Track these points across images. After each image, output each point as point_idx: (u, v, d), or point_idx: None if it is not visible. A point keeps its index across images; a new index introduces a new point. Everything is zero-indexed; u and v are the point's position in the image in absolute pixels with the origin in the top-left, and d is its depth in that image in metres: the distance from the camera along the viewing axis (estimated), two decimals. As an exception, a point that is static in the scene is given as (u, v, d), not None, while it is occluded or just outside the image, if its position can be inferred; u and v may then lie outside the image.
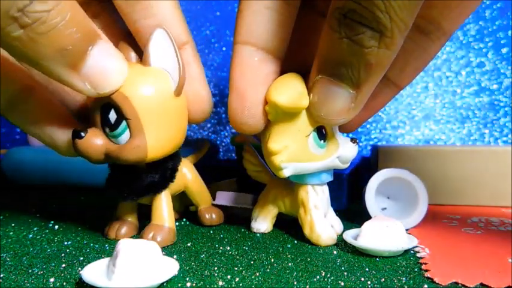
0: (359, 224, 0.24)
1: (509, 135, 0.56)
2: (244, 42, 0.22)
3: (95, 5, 0.25)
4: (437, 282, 0.18)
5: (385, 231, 0.22)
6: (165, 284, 0.18)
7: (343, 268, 0.20)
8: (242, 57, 0.22)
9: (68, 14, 0.18)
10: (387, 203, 0.30)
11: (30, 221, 0.31)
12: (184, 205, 0.32)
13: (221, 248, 0.24)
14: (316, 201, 0.25)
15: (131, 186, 0.24)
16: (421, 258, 0.22)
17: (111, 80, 0.20)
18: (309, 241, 0.25)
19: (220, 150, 0.66)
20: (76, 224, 0.29)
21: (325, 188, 0.26)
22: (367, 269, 0.20)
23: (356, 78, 0.19)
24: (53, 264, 0.21)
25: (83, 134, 0.21)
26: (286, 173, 0.23)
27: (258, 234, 0.27)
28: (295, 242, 0.25)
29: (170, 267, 0.18)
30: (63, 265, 0.20)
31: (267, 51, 0.22)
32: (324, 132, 0.23)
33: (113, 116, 0.21)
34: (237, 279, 0.19)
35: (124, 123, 0.21)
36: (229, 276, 0.19)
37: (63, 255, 0.22)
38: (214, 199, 0.31)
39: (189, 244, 0.25)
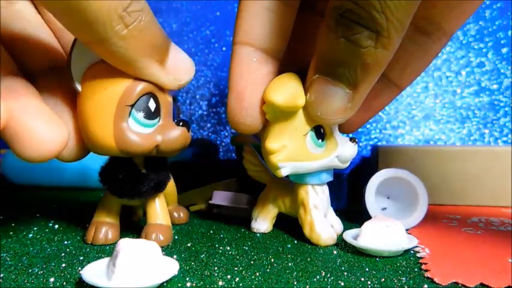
0: (359, 224, 0.24)
1: (509, 135, 0.56)
2: (243, 43, 0.22)
3: None
4: (437, 282, 0.18)
5: (385, 231, 0.22)
6: (165, 284, 0.18)
7: (343, 268, 0.20)
8: (241, 58, 0.22)
9: (151, 14, 0.19)
10: (387, 203, 0.30)
11: (30, 221, 0.31)
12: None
13: (221, 248, 0.24)
14: (316, 201, 0.25)
15: (138, 186, 0.24)
16: (421, 258, 0.22)
17: (187, 71, 0.22)
18: (309, 241, 0.25)
19: (220, 150, 0.66)
20: (76, 224, 0.29)
21: (325, 188, 0.26)
22: (367, 269, 0.20)
23: (353, 78, 0.19)
24: (53, 264, 0.21)
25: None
26: (284, 172, 0.23)
27: (258, 234, 0.27)
28: (295, 242, 0.25)
29: (170, 267, 0.18)
30: (63, 265, 0.20)
31: (265, 52, 0.22)
32: (322, 132, 0.23)
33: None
34: (237, 279, 0.19)
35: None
36: (229, 276, 0.19)
37: (63, 255, 0.22)
38: (211, 199, 0.31)
39: (189, 244, 0.25)
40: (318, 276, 0.19)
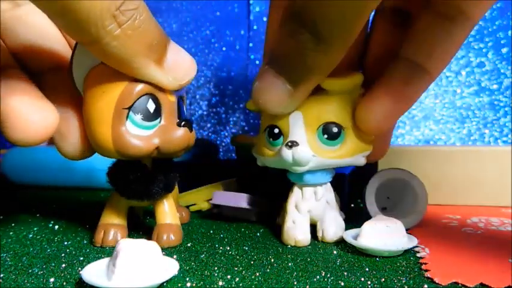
0: (359, 224, 0.24)
1: (509, 135, 0.56)
2: None
3: None
4: (437, 282, 0.18)
5: (385, 231, 0.22)
6: (165, 284, 0.18)
7: (343, 268, 0.20)
8: None
9: (148, 12, 0.19)
10: (387, 203, 0.30)
11: (30, 221, 0.31)
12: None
13: (221, 248, 0.24)
14: (298, 202, 0.25)
15: (148, 187, 0.24)
16: (421, 258, 0.22)
17: (187, 71, 0.22)
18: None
19: (220, 150, 0.66)
20: (76, 224, 0.29)
21: (320, 191, 0.25)
22: (367, 269, 0.20)
23: (293, 75, 0.20)
24: (53, 264, 0.21)
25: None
26: (258, 162, 0.27)
27: (258, 234, 0.27)
28: (295, 242, 0.25)
29: (170, 267, 0.18)
30: (63, 265, 0.20)
31: None
32: (276, 132, 0.24)
33: (184, 109, 0.24)
34: (237, 279, 0.19)
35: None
36: (229, 276, 0.19)
37: (63, 255, 0.22)
38: (211, 199, 0.31)
39: (189, 244, 0.25)
40: (318, 276, 0.19)
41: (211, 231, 0.28)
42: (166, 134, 0.22)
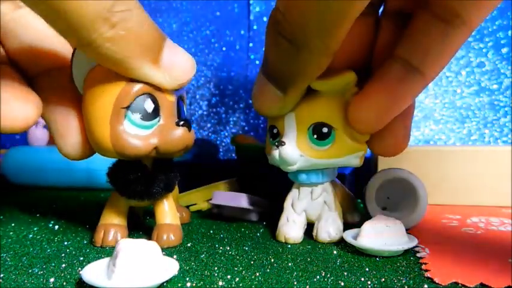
0: (359, 224, 0.24)
1: (509, 135, 0.56)
2: None
3: None
4: (437, 282, 0.18)
5: (385, 231, 0.22)
6: (165, 284, 0.18)
7: (343, 268, 0.20)
8: None
9: (143, 13, 0.19)
10: (387, 203, 0.30)
11: (30, 221, 0.31)
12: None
13: (221, 248, 0.24)
14: (294, 201, 0.26)
15: (149, 187, 0.24)
16: (421, 258, 0.22)
17: (186, 70, 0.22)
18: (308, 241, 0.25)
19: (220, 150, 0.66)
20: (76, 224, 0.29)
21: (316, 191, 0.25)
22: (367, 269, 0.20)
23: (282, 82, 0.21)
24: (53, 264, 0.21)
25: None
26: (269, 161, 0.26)
27: (258, 234, 0.27)
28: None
29: (170, 267, 0.18)
30: (63, 265, 0.20)
31: None
32: (275, 132, 0.25)
33: (184, 109, 0.24)
34: (237, 279, 0.19)
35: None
36: (229, 276, 0.19)
37: (63, 255, 0.22)
38: (211, 199, 0.31)
39: (189, 244, 0.25)
40: (318, 276, 0.19)
41: (211, 231, 0.28)
42: (165, 134, 0.22)
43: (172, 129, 0.22)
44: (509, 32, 0.56)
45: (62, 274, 0.19)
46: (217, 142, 0.67)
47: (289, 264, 0.21)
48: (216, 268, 0.20)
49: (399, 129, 0.24)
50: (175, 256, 0.22)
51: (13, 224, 0.29)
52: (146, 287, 0.16)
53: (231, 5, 0.66)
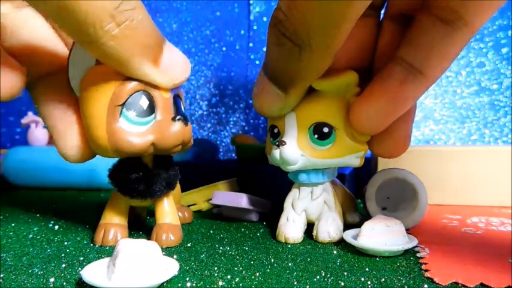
0: (359, 224, 0.24)
1: (509, 135, 0.56)
2: None
3: None
4: (437, 282, 0.18)
5: (385, 231, 0.22)
6: (165, 284, 0.18)
7: (343, 268, 0.20)
8: None
9: (145, 13, 0.19)
10: (387, 203, 0.30)
11: (30, 221, 0.31)
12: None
13: (221, 248, 0.24)
14: (294, 201, 0.26)
15: (150, 186, 0.24)
16: (421, 258, 0.22)
17: (182, 70, 0.22)
18: (308, 241, 0.25)
19: (220, 150, 0.66)
20: (76, 224, 0.29)
21: (316, 191, 0.25)
22: (367, 269, 0.20)
23: (284, 82, 0.21)
24: (53, 264, 0.21)
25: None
26: (268, 160, 0.27)
27: (258, 234, 0.27)
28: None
29: (170, 267, 0.18)
30: (63, 265, 0.20)
31: None
32: (275, 132, 0.25)
33: (182, 106, 0.24)
34: (237, 279, 0.19)
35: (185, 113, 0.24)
36: (229, 276, 0.19)
37: (63, 255, 0.22)
38: (211, 199, 0.31)
39: (189, 244, 0.25)
40: (318, 276, 0.19)
41: (211, 231, 0.28)
42: (162, 129, 0.22)
43: (169, 125, 0.22)
44: (509, 32, 0.56)
45: (62, 274, 0.19)
46: (217, 142, 0.67)
47: (289, 264, 0.21)
48: (216, 268, 0.20)
49: (400, 132, 0.24)
50: (175, 256, 0.22)
51: (13, 224, 0.29)
52: (146, 287, 0.16)
53: (231, 5, 0.66)
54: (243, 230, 0.28)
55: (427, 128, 0.59)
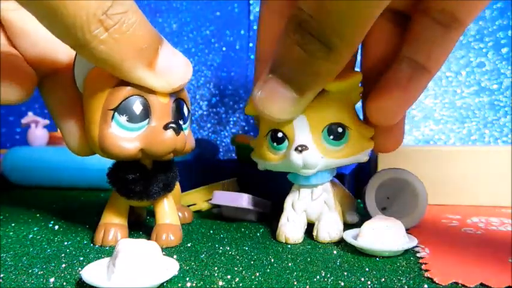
0: (359, 224, 0.24)
1: (509, 135, 0.56)
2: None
3: None
4: (437, 282, 0.18)
5: (385, 231, 0.22)
6: (165, 284, 0.18)
7: (343, 268, 0.20)
8: None
9: (139, 15, 0.19)
10: (387, 203, 0.30)
11: (30, 221, 0.31)
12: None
13: (221, 248, 0.24)
14: (295, 201, 0.26)
15: (147, 187, 0.24)
16: (421, 258, 0.22)
17: (181, 75, 0.22)
18: (308, 241, 0.25)
19: (220, 150, 0.66)
20: (76, 224, 0.29)
21: (317, 192, 0.25)
22: (367, 269, 0.20)
23: (301, 83, 0.21)
24: (53, 264, 0.21)
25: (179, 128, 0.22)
26: (259, 166, 0.27)
27: (258, 234, 0.27)
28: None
29: (170, 267, 0.18)
30: (63, 265, 0.20)
31: None
32: (280, 136, 0.24)
33: (185, 110, 0.23)
34: (237, 279, 0.19)
35: (189, 115, 0.24)
36: (229, 276, 0.19)
37: (63, 255, 0.22)
38: (211, 199, 0.31)
39: (189, 244, 0.25)
40: (318, 276, 0.19)
41: (211, 231, 0.28)
42: (152, 137, 0.21)
43: (159, 132, 0.21)
44: (509, 32, 0.56)
45: (62, 274, 0.19)
46: (217, 142, 0.67)
47: (289, 264, 0.21)
48: (216, 268, 0.20)
49: (399, 128, 0.26)
50: (175, 256, 0.22)
51: (13, 224, 0.29)
52: (146, 287, 0.16)
53: (231, 5, 0.66)
54: (243, 230, 0.28)
55: (427, 128, 0.59)
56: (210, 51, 0.67)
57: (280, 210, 0.27)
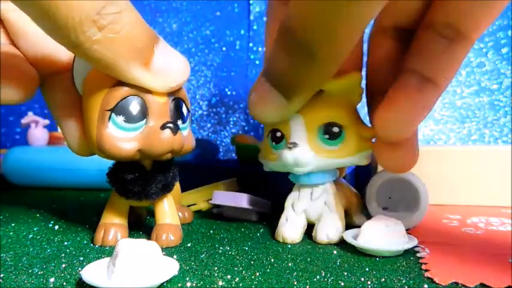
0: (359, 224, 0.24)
1: (509, 135, 0.56)
2: None
3: None
4: (437, 282, 0.18)
5: (385, 231, 0.22)
6: (165, 284, 0.18)
7: (343, 268, 0.20)
8: None
9: (134, 15, 0.19)
10: (389, 203, 0.30)
11: (30, 221, 0.31)
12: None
13: (221, 248, 0.24)
14: (295, 201, 0.26)
15: (146, 188, 0.24)
16: (421, 258, 0.22)
17: (179, 74, 0.21)
18: (308, 241, 0.25)
19: (220, 150, 0.66)
20: (76, 224, 0.29)
21: (317, 192, 0.25)
22: (367, 269, 0.20)
23: (289, 90, 0.21)
24: (53, 264, 0.21)
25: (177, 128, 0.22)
26: (264, 167, 0.27)
27: (258, 234, 0.27)
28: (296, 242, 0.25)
29: (170, 267, 0.18)
30: (63, 265, 0.20)
31: None
32: (278, 136, 0.24)
33: (184, 109, 0.23)
34: (237, 279, 0.19)
35: (189, 115, 0.24)
36: (229, 276, 0.19)
37: (63, 255, 0.22)
38: (211, 199, 0.31)
39: (189, 244, 0.25)
40: (318, 276, 0.19)
41: (211, 231, 0.28)
42: (149, 136, 0.21)
43: (156, 133, 0.21)
44: (509, 32, 0.56)
45: (62, 274, 0.19)
46: (217, 142, 0.67)
47: (289, 264, 0.21)
48: (216, 268, 0.20)
49: (410, 148, 0.24)
50: (175, 256, 0.22)
51: (13, 224, 0.29)
52: (146, 287, 0.16)
53: (231, 5, 0.66)
54: (243, 230, 0.28)
55: (427, 128, 0.59)
56: (210, 51, 0.67)
57: (280, 210, 0.27)
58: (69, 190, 0.47)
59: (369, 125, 0.25)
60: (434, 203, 0.37)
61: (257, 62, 0.65)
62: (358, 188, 0.31)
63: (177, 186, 0.30)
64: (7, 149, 0.51)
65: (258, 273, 0.19)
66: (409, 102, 0.22)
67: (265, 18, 0.65)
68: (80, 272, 0.18)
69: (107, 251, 0.23)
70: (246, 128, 0.66)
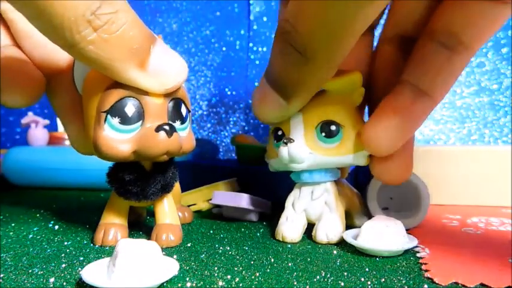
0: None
1: (509, 135, 0.56)
2: None
3: None
4: (437, 282, 0.18)
5: (385, 231, 0.22)
6: (165, 284, 0.18)
7: (343, 268, 0.20)
8: None
9: (131, 15, 0.19)
10: (390, 203, 0.30)
11: (30, 221, 0.31)
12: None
13: (221, 248, 0.24)
14: (295, 200, 0.26)
15: (144, 188, 0.24)
16: (421, 258, 0.22)
17: (176, 75, 0.21)
18: (308, 241, 0.25)
19: (220, 150, 0.66)
20: (76, 224, 0.29)
21: (317, 191, 0.25)
22: (367, 269, 0.20)
23: (287, 91, 0.21)
24: (53, 264, 0.21)
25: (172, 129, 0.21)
26: (269, 167, 0.27)
27: (258, 234, 0.27)
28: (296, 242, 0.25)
29: (170, 267, 0.18)
30: (63, 265, 0.20)
31: None
32: (279, 134, 0.25)
33: (184, 110, 0.23)
34: (237, 279, 0.19)
35: (189, 115, 0.24)
36: (229, 276, 0.19)
37: (63, 255, 0.22)
38: (211, 199, 0.31)
39: (189, 244, 0.25)
40: (318, 276, 0.19)
41: (211, 231, 0.28)
42: (145, 138, 0.21)
43: (151, 135, 0.21)
44: (509, 32, 0.56)
45: (62, 274, 0.19)
46: (217, 142, 0.67)
47: (289, 264, 0.21)
48: (216, 268, 0.20)
49: (401, 158, 0.24)
50: (175, 256, 0.22)
51: (13, 224, 0.29)
52: (146, 287, 0.16)
53: (231, 5, 0.66)
54: (243, 230, 0.28)
55: (427, 128, 0.59)
56: (210, 51, 0.67)
57: (280, 210, 0.27)
58: (69, 190, 0.47)
59: None
60: (434, 203, 0.37)
61: (257, 62, 0.65)
62: (358, 188, 0.31)
63: (177, 186, 0.30)
64: (7, 149, 0.51)
65: (258, 273, 0.19)
66: (400, 115, 0.22)
67: (265, 18, 0.66)
68: (80, 272, 0.18)
69: (107, 251, 0.23)
70: (246, 128, 0.66)
